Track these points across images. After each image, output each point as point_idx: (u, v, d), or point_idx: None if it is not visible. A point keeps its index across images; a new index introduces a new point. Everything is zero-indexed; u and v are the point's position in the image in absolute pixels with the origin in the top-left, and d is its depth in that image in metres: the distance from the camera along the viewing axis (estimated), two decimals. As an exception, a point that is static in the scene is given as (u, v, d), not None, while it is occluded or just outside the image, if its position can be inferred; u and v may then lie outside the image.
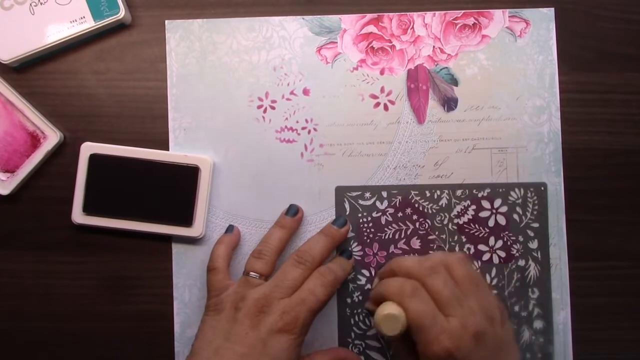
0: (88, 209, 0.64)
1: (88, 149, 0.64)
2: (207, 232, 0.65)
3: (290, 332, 0.56)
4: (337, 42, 0.65)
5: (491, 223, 0.65)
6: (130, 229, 0.64)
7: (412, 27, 0.65)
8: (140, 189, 0.64)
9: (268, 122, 0.65)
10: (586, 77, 0.66)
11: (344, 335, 0.65)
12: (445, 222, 0.65)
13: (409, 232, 0.65)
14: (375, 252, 0.65)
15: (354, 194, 0.65)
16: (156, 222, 0.64)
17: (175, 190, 0.64)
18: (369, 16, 0.65)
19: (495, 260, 0.65)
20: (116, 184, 0.64)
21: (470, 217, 0.65)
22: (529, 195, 0.65)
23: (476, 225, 0.65)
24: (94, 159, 0.63)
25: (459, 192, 0.65)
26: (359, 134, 0.65)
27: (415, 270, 0.55)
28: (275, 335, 0.56)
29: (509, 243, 0.65)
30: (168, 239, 0.65)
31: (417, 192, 0.65)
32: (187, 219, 0.64)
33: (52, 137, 0.64)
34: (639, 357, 0.66)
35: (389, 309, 0.53)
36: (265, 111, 0.65)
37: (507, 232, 0.65)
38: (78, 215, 0.64)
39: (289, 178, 0.65)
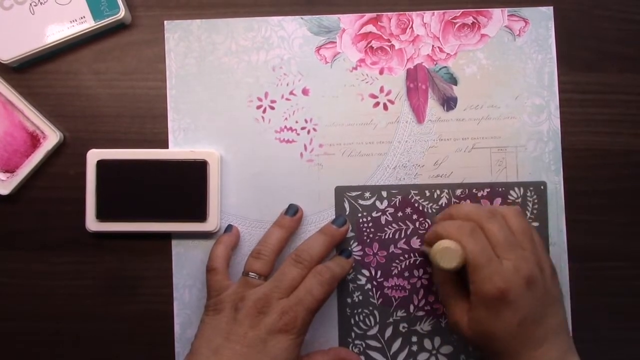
0: (101, 216, 0.64)
1: (95, 155, 0.64)
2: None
3: (290, 332, 0.56)
4: (336, 42, 0.65)
5: (491, 222, 0.65)
6: (144, 231, 0.64)
7: (411, 27, 0.65)
8: (151, 189, 0.64)
9: (267, 122, 0.65)
10: (585, 77, 0.66)
11: (344, 335, 0.65)
12: (445, 221, 0.65)
13: (408, 232, 0.65)
14: (375, 251, 0.65)
15: (354, 193, 0.65)
16: (170, 221, 0.64)
17: (185, 186, 0.64)
18: (367, 16, 0.65)
19: (495, 259, 0.65)
20: (126, 188, 0.64)
21: (470, 217, 0.65)
22: (528, 194, 0.65)
23: (476, 225, 0.65)
24: (102, 165, 0.63)
25: (458, 192, 0.65)
26: (358, 133, 0.65)
27: (474, 214, 0.58)
28: (275, 335, 0.56)
29: (508, 242, 0.65)
30: (168, 239, 0.65)
31: (416, 192, 0.65)
32: (201, 214, 0.64)
33: (52, 137, 0.64)
34: (639, 357, 0.66)
35: (446, 243, 0.55)
36: (264, 111, 0.65)
37: (507, 231, 0.65)
38: (92, 223, 0.64)
39: (289, 178, 0.65)
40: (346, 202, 0.65)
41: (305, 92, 0.65)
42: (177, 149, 0.65)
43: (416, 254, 0.65)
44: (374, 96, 0.65)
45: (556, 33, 0.65)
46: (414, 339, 0.65)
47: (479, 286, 0.54)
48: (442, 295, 0.61)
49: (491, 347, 0.56)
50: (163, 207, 0.64)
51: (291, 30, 0.65)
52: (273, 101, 0.65)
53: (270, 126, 0.65)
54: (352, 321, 0.65)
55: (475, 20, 0.65)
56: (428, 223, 0.65)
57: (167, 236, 0.65)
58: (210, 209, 0.64)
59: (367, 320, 0.65)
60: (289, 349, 0.56)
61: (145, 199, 0.64)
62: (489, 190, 0.65)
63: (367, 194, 0.65)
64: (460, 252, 0.55)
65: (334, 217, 0.65)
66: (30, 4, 0.62)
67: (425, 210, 0.65)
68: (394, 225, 0.65)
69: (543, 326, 0.55)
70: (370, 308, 0.65)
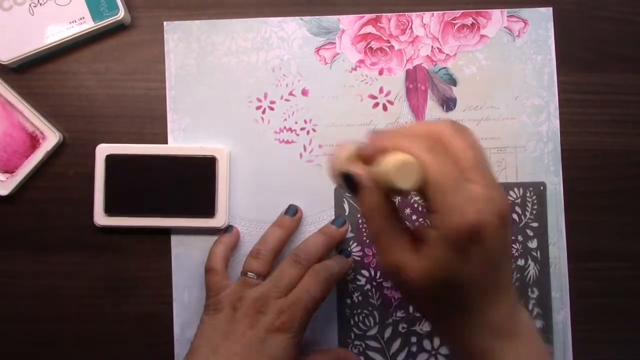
0: (110, 211, 0.64)
1: (103, 150, 0.64)
2: (208, 233, 0.65)
3: (288, 331, 0.56)
4: (335, 43, 0.65)
5: (490, 223, 0.65)
6: (152, 226, 0.64)
7: (411, 28, 0.65)
8: (160, 184, 0.64)
9: (267, 123, 0.65)
10: (585, 78, 0.66)
11: (344, 335, 0.65)
12: (445, 222, 0.65)
13: (408, 232, 0.65)
14: (374, 252, 0.65)
15: (353, 194, 0.65)
16: (178, 216, 0.64)
17: (194, 182, 0.64)
18: (367, 16, 0.65)
19: (495, 260, 0.65)
20: (135, 183, 0.64)
21: (470, 217, 0.65)
22: (528, 194, 0.65)
23: (475, 225, 0.65)
24: (110, 159, 0.63)
25: (458, 192, 0.65)
26: (358, 134, 0.65)
27: (435, 129, 0.44)
28: (272, 335, 0.56)
29: (508, 243, 0.65)
30: (167, 239, 0.65)
31: (416, 192, 0.65)
32: (209, 210, 0.64)
33: (51, 138, 0.64)
34: (639, 357, 0.66)
35: (401, 156, 0.42)
36: (264, 112, 0.65)
37: (506, 232, 0.65)
38: (100, 217, 0.64)
39: (288, 179, 0.65)
40: (346, 202, 0.65)
41: (304, 92, 0.65)
42: (186, 145, 0.65)
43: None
44: (373, 97, 0.65)
45: (556, 34, 0.65)
46: (414, 339, 0.65)
47: (446, 218, 0.41)
48: (374, 229, 0.45)
49: (448, 300, 0.45)
50: (171, 202, 0.64)
51: (291, 31, 0.65)
52: (272, 102, 0.65)
53: (270, 127, 0.65)
54: (352, 322, 0.65)
55: (474, 21, 0.65)
56: (428, 223, 0.65)
57: (168, 236, 0.65)
58: (218, 206, 0.64)
59: (366, 320, 0.65)
60: (287, 348, 0.56)
61: (154, 194, 0.64)
62: (488, 190, 0.65)
63: (367, 195, 0.65)
64: (418, 168, 0.41)
65: (334, 217, 0.65)
66: (30, 5, 0.63)
67: (425, 210, 0.65)
68: (393, 225, 0.65)
69: (502, 273, 0.46)
70: (370, 308, 0.65)
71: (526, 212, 0.65)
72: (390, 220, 0.45)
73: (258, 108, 0.65)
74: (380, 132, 0.45)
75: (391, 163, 0.42)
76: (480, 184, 0.42)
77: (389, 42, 0.65)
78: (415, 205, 0.65)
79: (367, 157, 0.44)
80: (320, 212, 0.65)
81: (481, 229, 0.41)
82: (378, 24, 0.65)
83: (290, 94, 0.65)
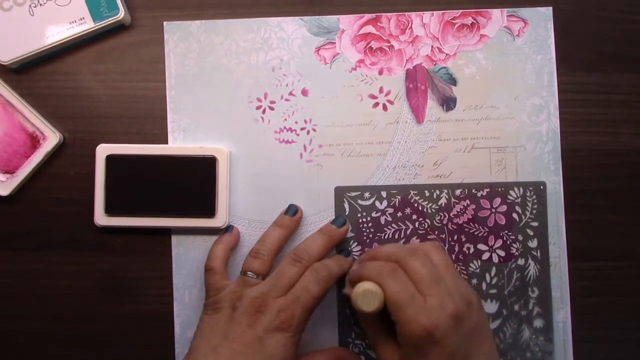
0: (110, 211, 0.64)
1: (104, 150, 0.64)
2: (208, 232, 0.65)
3: (287, 330, 0.56)
4: (335, 43, 0.65)
5: (490, 222, 0.65)
6: (152, 226, 0.64)
7: (411, 27, 0.65)
8: (160, 185, 0.64)
9: (267, 123, 0.65)
10: (585, 77, 0.66)
11: (344, 335, 0.65)
12: (445, 221, 0.65)
13: (408, 232, 0.65)
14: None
15: (353, 194, 0.65)
16: (178, 217, 0.64)
17: (194, 182, 0.64)
18: (367, 16, 0.65)
19: (495, 259, 0.65)
20: (135, 183, 0.64)
21: (470, 217, 0.65)
22: (528, 194, 0.65)
23: (475, 225, 0.65)
24: (111, 160, 0.63)
25: (458, 192, 0.65)
26: (357, 134, 0.65)
27: (395, 254, 0.56)
28: (271, 334, 0.56)
29: (508, 242, 0.65)
30: (167, 239, 0.65)
31: (416, 192, 0.65)
32: (209, 210, 0.64)
33: (51, 138, 0.64)
34: (639, 357, 0.66)
35: (366, 286, 0.54)
36: (264, 112, 0.65)
37: (506, 232, 0.65)
38: (100, 218, 0.64)
39: (288, 179, 0.65)
40: (346, 202, 0.65)
41: (304, 92, 0.65)
42: (186, 145, 0.65)
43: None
44: (373, 97, 0.65)
45: (555, 33, 0.65)
46: (414, 339, 0.65)
47: (404, 326, 0.52)
48: (369, 337, 0.59)
49: None
50: (171, 202, 0.64)
51: (290, 31, 0.65)
52: (272, 102, 0.65)
53: (270, 127, 0.65)
54: (352, 321, 0.65)
55: (474, 21, 0.65)
56: (428, 223, 0.65)
57: (168, 236, 0.65)
58: (218, 206, 0.64)
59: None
60: (286, 346, 0.56)
61: (154, 194, 0.64)
62: (488, 190, 0.65)
63: (367, 194, 0.65)
64: (379, 294, 0.53)
65: (334, 217, 0.65)
66: (30, 5, 0.63)
67: (425, 210, 0.65)
68: (393, 225, 0.65)
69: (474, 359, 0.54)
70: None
71: (526, 212, 0.65)
72: (379, 328, 0.57)
73: (258, 108, 0.65)
74: (363, 256, 0.60)
75: (356, 292, 0.54)
76: (432, 295, 0.52)
77: (388, 41, 0.65)
78: (415, 205, 0.65)
79: (353, 283, 0.56)
80: (320, 211, 0.65)
81: (434, 330, 0.51)
82: (378, 23, 0.65)
83: (290, 94, 0.65)
